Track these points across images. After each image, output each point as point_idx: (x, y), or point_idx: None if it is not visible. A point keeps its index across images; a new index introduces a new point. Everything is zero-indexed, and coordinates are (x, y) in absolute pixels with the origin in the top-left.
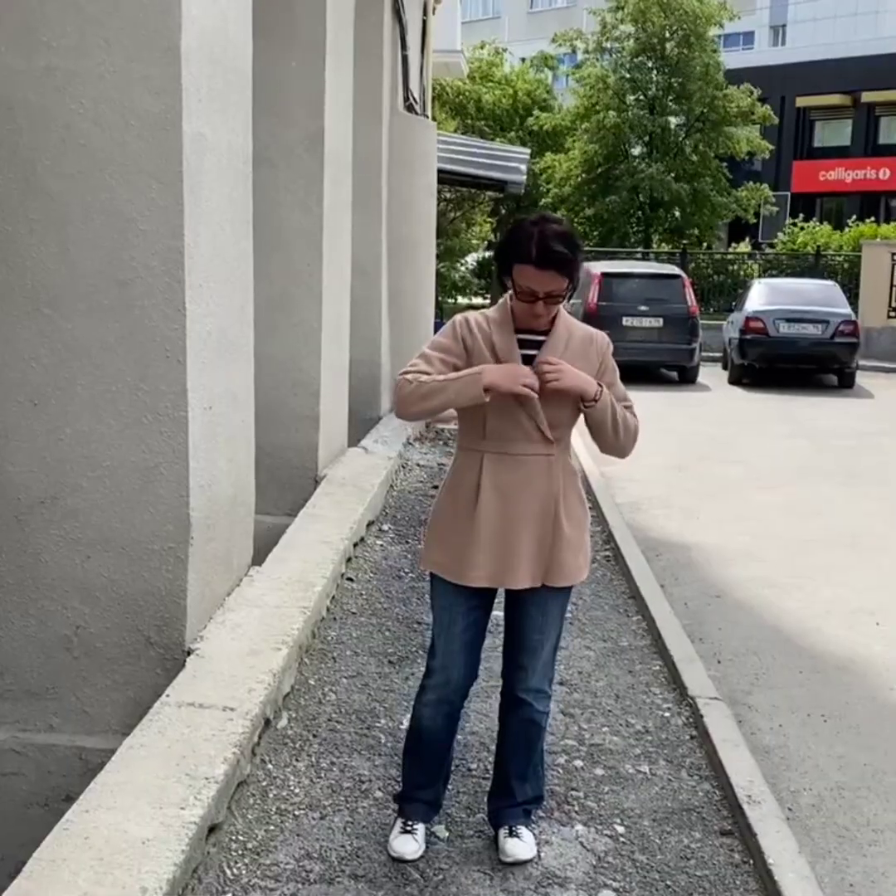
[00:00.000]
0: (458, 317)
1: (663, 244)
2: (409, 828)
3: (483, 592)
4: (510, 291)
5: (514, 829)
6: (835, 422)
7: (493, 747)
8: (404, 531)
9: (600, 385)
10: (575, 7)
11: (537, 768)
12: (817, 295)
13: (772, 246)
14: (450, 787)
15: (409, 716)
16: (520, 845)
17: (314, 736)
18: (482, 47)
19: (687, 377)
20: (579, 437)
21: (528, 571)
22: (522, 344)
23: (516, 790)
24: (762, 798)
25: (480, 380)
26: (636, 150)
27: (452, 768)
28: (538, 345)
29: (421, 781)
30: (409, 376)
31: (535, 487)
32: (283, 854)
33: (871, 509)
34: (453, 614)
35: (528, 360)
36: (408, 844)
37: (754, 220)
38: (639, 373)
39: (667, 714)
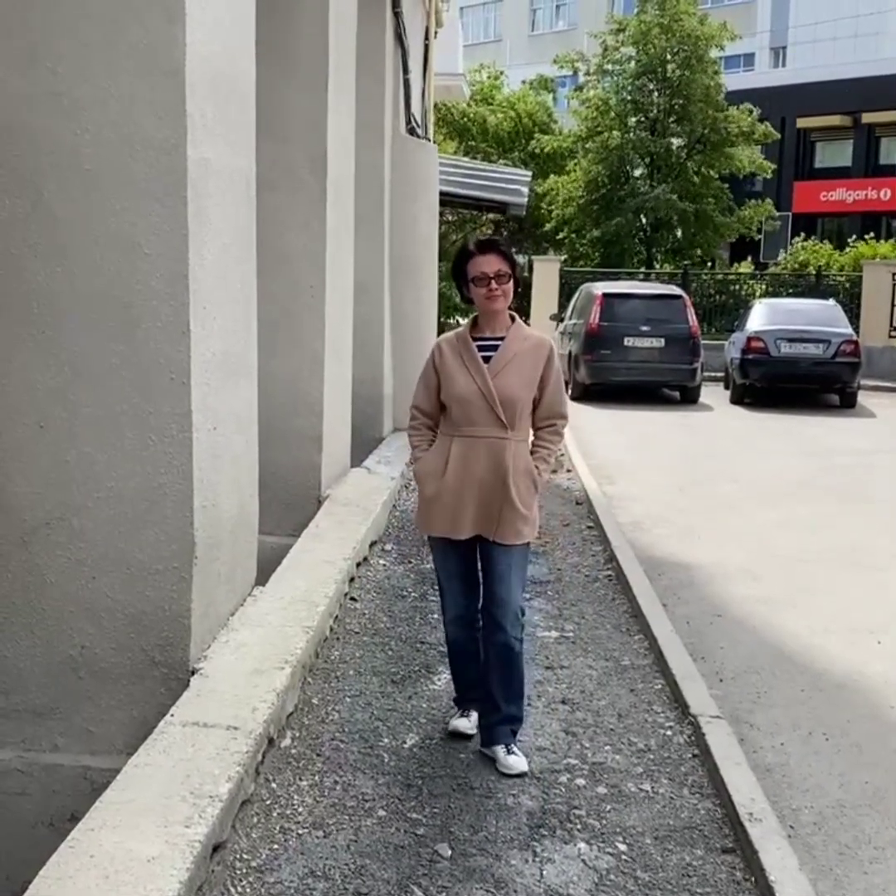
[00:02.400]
0: (436, 343)
1: (665, 264)
2: (464, 713)
3: (464, 541)
4: (474, 315)
5: (509, 746)
6: (836, 441)
7: (499, 769)
8: (407, 551)
9: (540, 473)
10: (576, 30)
11: (518, 690)
12: (818, 315)
13: (774, 265)
14: (451, 805)
15: (411, 734)
16: (519, 760)
17: (318, 755)
18: (480, 70)
19: (689, 397)
20: (581, 457)
21: (478, 525)
22: (485, 347)
23: (502, 707)
24: (764, 816)
25: (413, 470)
26: (638, 172)
27: (456, 786)
28: (495, 347)
29: (466, 681)
30: (413, 425)
31: (491, 464)
32: (286, 872)
33: (872, 527)
34: (442, 556)
35: (487, 360)
36: (464, 723)
37: (758, 237)
38: (640, 392)
39: (669, 732)
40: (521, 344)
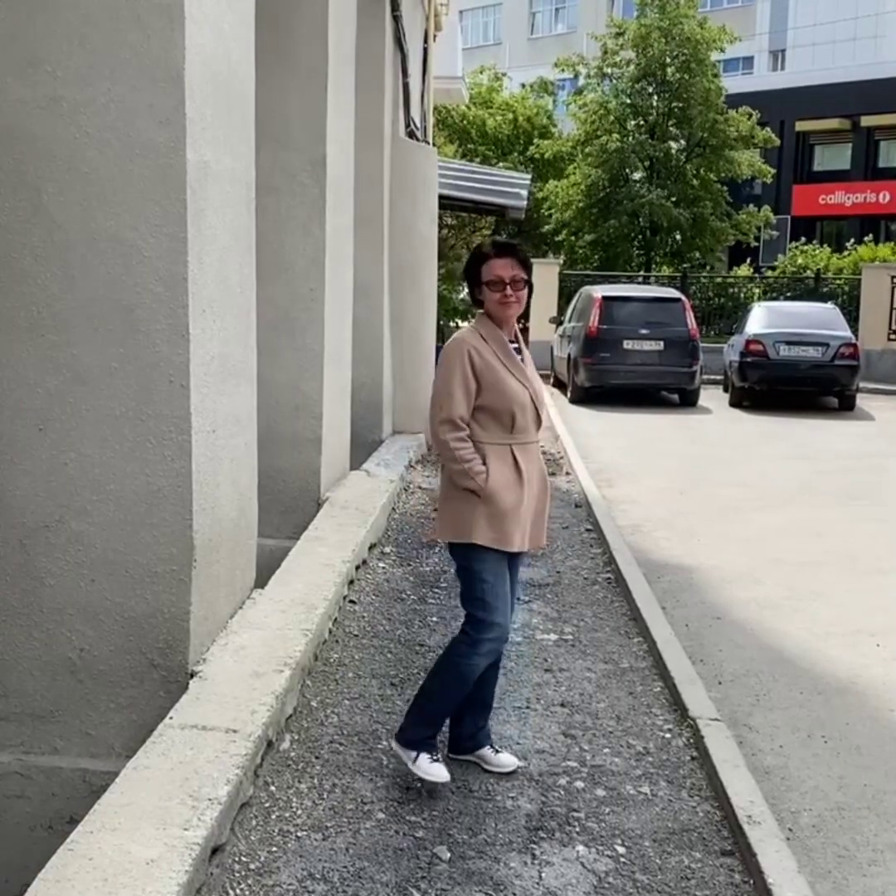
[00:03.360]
0: (459, 345)
1: (664, 268)
2: (438, 757)
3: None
4: (481, 311)
5: (494, 746)
6: (835, 444)
7: (496, 771)
8: (406, 553)
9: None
10: (575, 33)
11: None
12: (817, 318)
13: (772, 269)
14: (450, 808)
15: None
16: (510, 757)
17: (317, 757)
18: (481, 72)
19: (688, 400)
20: (580, 460)
21: (544, 535)
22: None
23: (487, 713)
24: (762, 818)
25: (479, 489)
26: (637, 175)
27: (454, 789)
28: (518, 350)
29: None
30: (457, 436)
31: (540, 468)
32: (285, 875)
33: (871, 531)
34: (497, 574)
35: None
36: (443, 770)
37: (755, 244)
38: (639, 395)
39: (667, 735)
40: (527, 348)
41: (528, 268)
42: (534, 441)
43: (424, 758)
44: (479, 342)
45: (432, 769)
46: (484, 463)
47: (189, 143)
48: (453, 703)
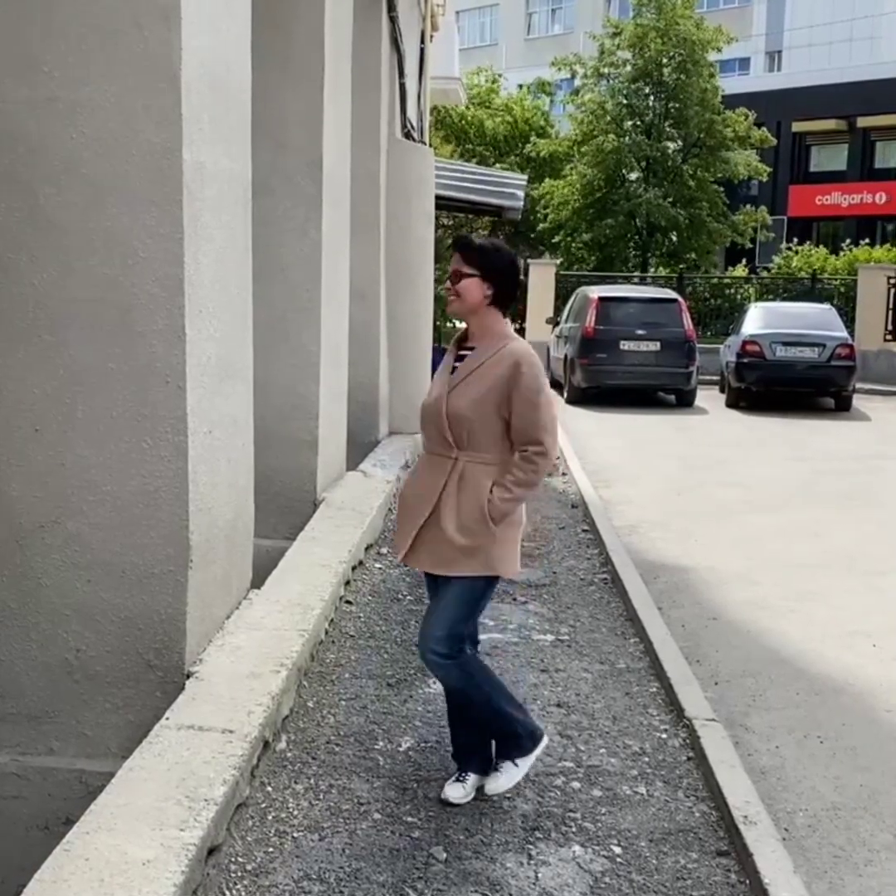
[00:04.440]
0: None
1: (661, 268)
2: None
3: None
4: None
5: (499, 764)
6: (832, 445)
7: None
8: None
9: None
10: (572, 34)
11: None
12: (814, 318)
13: (768, 270)
14: (445, 809)
15: (406, 737)
16: (496, 780)
17: (313, 758)
18: (478, 73)
19: (684, 400)
20: (576, 460)
21: (409, 538)
22: (460, 357)
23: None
24: (758, 819)
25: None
26: (633, 175)
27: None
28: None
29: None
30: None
31: (436, 478)
32: (282, 875)
33: (867, 532)
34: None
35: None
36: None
37: (751, 245)
38: (636, 396)
39: (664, 735)
40: (486, 356)
41: (475, 260)
42: (435, 454)
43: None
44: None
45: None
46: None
47: (186, 144)
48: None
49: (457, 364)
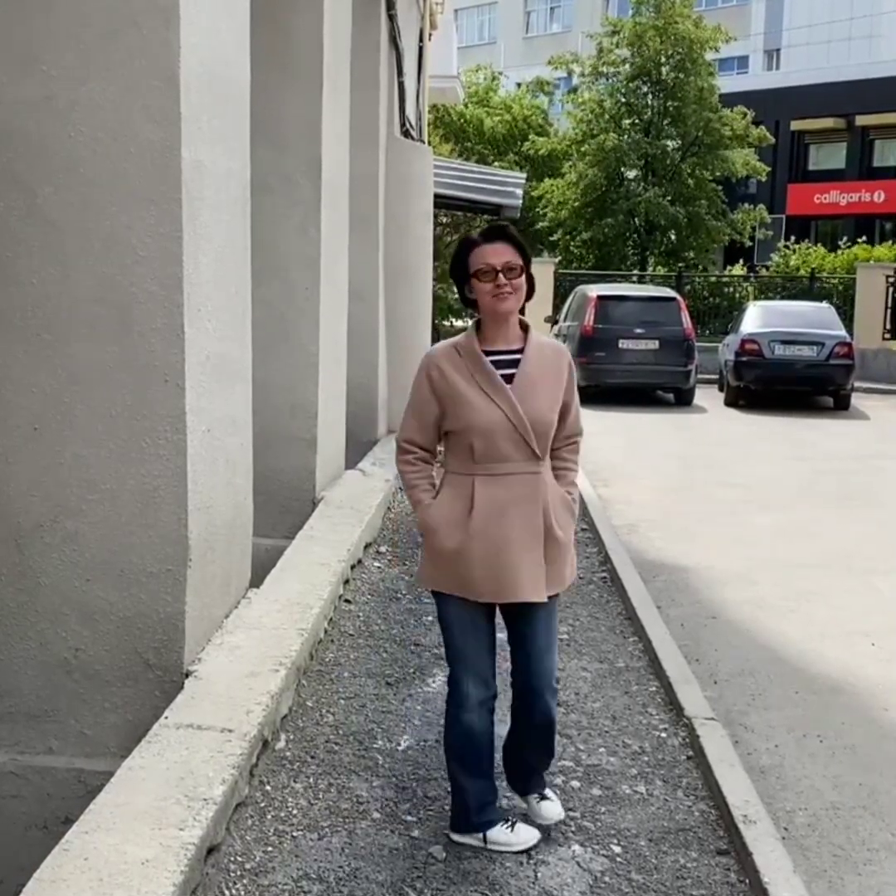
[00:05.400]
0: (425, 361)
1: (659, 267)
2: (512, 820)
3: (487, 604)
4: (475, 318)
5: (543, 794)
6: (831, 443)
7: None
8: (402, 553)
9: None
10: (570, 32)
11: (553, 743)
12: (812, 317)
13: (766, 268)
14: (445, 808)
15: (405, 736)
16: (553, 807)
17: (312, 757)
18: (477, 71)
19: (683, 399)
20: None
21: (529, 585)
22: (500, 364)
23: (543, 770)
24: (758, 818)
25: (420, 519)
26: (632, 174)
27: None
28: (515, 363)
29: (484, 788)
30: (405, 459)
31: (528, 505)
32: (281, 875)
33: (866, 531)
34: (464, 624)
35: (508, 379)
36: (529, 832)
37: (749, 244)
38: (635, 395)
39: (663, 734)
40: (541, 356)
41: (524, 253)
42: (518, 472)
43: (495, 831)
44: (448, 359)
45: (512, 838)
46: (436, 494)
47: (185, 143)
48: (460, 769)
49: (503, 370)
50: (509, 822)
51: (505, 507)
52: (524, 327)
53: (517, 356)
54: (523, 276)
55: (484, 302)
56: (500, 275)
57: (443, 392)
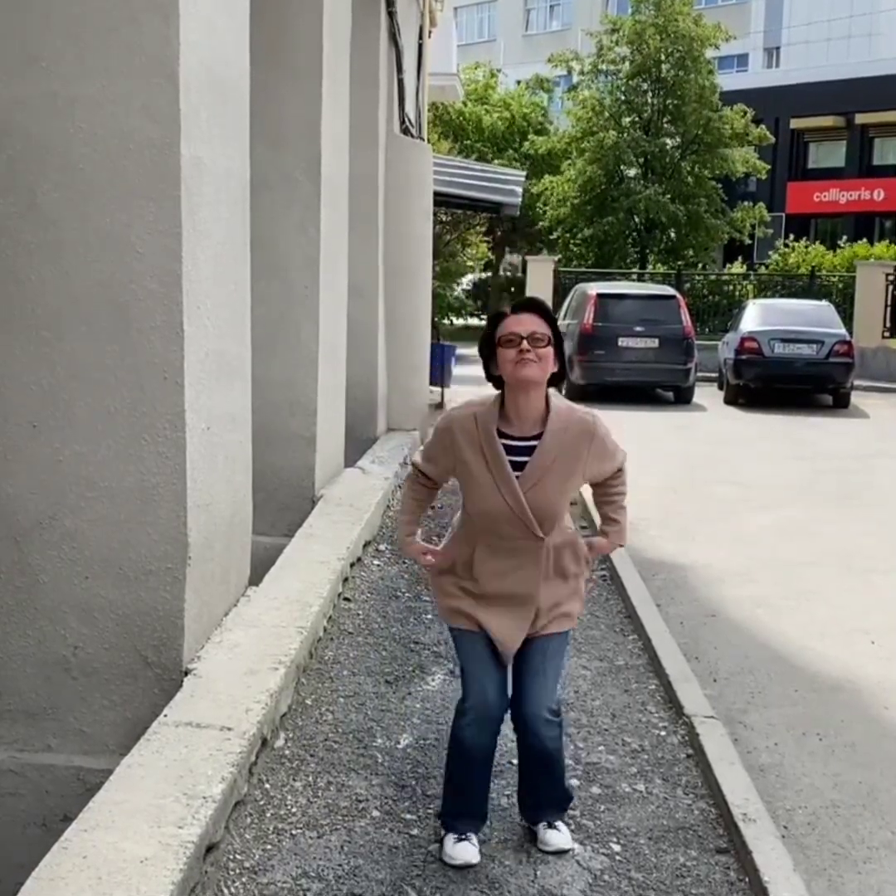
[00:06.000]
0: (447, 423)
1: (659, 265)
2: (464, 836)
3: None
4: (499, 393)
5: (552, 822)
6: (830, 442)
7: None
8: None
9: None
10: (570, 30)
11: (560, 776)
12: (812, 315)
13: (766, 266)
14: None
15: (405, 735)
16: (559, 836)
17: (311, 755)
18: (476, 68)
19: (682, 397)
20: None
21: (509, 639)
22: (513, 450)
23: (549, 802)
24: (758, 816)
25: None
26: (632, 172)
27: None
28: (530, 450)
29: (470, 801)
30: (410, 482)
31: (528, 569)
32: (280, 873)
33: (865, 529)
34: (473, 654)
35: (518, 467)
36: (468, 851)
37: (749, 242)
38: (634, 393)
39: (663, 733)
40: (560, 442)
41: (555, 328)
42: (520, 543)
43: (449, 838)
44: (465, 433)
45: (454, 851)
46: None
47: (184, 140)
48: (453, 775)
49: (515, 457)
50: (464, 838)
51: (505, 573)
52: (548, 407)
53: (533, 443)
54: (550, 348)
55: (507, 371)
56: (525, 341)
57: (456, 458)
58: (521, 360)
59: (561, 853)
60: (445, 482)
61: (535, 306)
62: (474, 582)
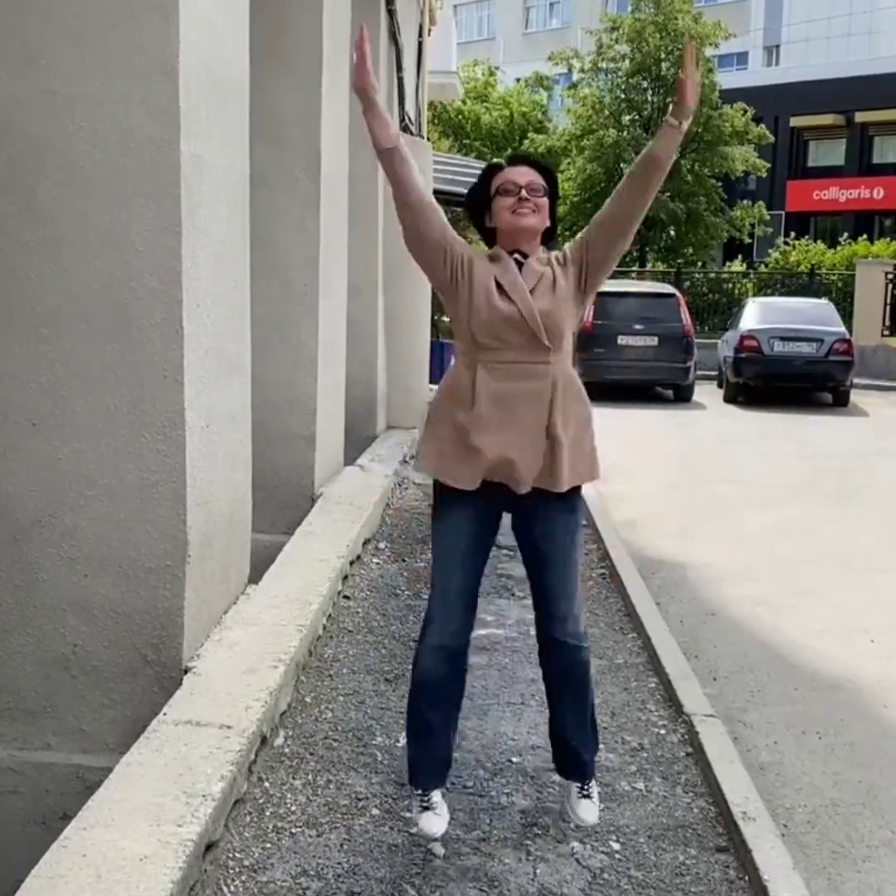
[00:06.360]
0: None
1: (658, 263)
2: (426, 802)
3: (486, 508)
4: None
5: (585, 786)
6: (830, 440)
7: (487, 764)
8: (400, 549)
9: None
10: (569, 28)
11: (592, 714)
12: (812, 313)
13: (765, 265)
14: (446, 805)
15: (404, 733)
16: (589, 808)
17: (311, 754)
18: (475, 65)
19: (682, 396)
20: None
21: (525, 471)
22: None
23: (582, 751)
24: (757, 815)
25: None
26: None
27: (449, 785)
28: (520, 265)
29: (428, 738)
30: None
31: (532, 397)
32: (279, 871)
33: (865, 528)
34: (456, 534)
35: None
36: (432, 823)
37: (749, 240)
38: (634, 391)
39: (662, 731)
40: (546, 264)
41: (551, 180)
42: (526, 361)
43: (415, 805)
44: (477, 253)
45: (420, 821)
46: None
47: (183, 138)
48: (416, 713)
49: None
50: (427, 804)
51: (511, 396)
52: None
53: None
54: (547, 199)
55: (503, 219)
56: (524, 190)
57: (464, 259)
58: (519, 209)
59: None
60: (426, 227)
61: (530, 160)
62: (475, 410)
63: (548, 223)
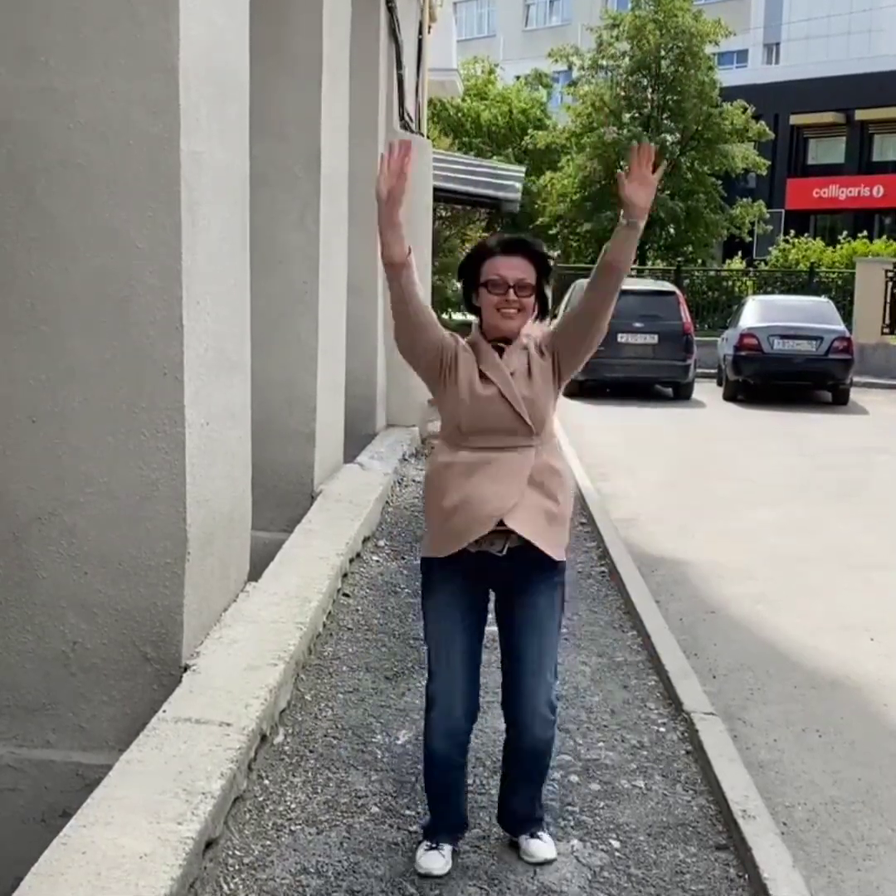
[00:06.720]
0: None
1: (658, 261)
2: (434, 846)
3: (475, 592)
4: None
5: (534, 832)
6: (829, 438)
7: (487, 763)
8: (400, 547)
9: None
10: (570, 25)
11: (543, 782)
12: (811, 311)
13: (765, 263)
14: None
15: (404, 731)
16: (543, 846)
17: (311, 751)
18: (475, 62)
19: (682, 394)
20: (574, 454)
21: (514, 494)
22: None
23: (533, 810)
24: (757, 812)
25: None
26: None
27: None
28: (501, 350)
29: (442, 803)
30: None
31: (515, 468)
32: (279, 869)
33: (865, 526)
34: (448, 624)
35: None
36: (435, 861)
37: (748, 238)
38: (633, 389)
39: (662, 729)
40: (523, 350)
41: (541, 271)
42: (512, 447)
43: (422, 845)
44: (463, 345)
45: (421, 859)
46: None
47: (183, 135)
48: (427, 783)
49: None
50: (437, 847)
51: (491, 467)
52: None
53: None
54: (533, 297)
55: (488, 315)
56: (512, 291)
57: (454, 352)
58: (505, 310)
59: (547, 863)
60: (420, 323)
61: (525, 248)
62: (453, 471)
63: (535, 314)
